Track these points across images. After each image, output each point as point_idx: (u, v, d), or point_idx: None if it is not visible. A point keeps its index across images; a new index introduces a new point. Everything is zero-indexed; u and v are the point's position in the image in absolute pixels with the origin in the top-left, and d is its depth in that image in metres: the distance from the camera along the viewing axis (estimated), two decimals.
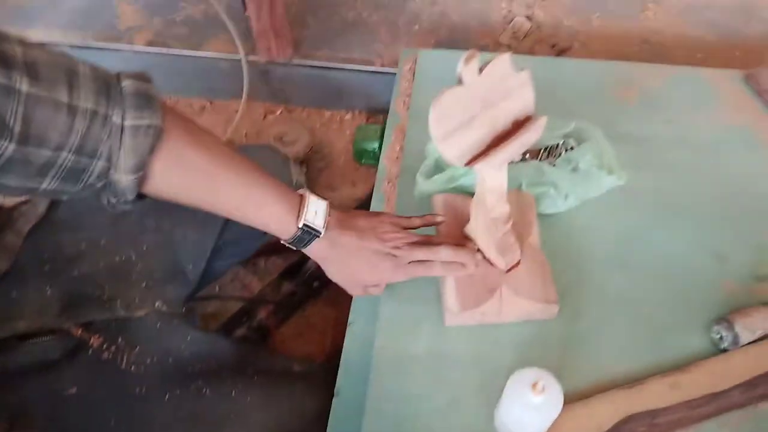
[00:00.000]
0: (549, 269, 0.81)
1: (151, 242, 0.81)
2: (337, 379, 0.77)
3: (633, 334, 0.79)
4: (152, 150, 0.59)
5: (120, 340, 0.74)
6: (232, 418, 0.73)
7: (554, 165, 0.90)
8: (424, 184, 0.90)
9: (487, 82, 0.62)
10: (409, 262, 0.74)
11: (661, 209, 0.91)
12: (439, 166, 0.91)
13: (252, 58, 1.38)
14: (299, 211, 0.69)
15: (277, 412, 0.75)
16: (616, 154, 0.90)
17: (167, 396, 0.72)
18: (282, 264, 1.17)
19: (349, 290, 0.79)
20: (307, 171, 1.30)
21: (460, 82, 0.60)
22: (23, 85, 0.51)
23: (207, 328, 1.11)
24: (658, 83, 1.09)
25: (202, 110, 1.52)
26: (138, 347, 0.74)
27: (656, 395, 0.71)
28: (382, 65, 1.37)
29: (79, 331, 0.73)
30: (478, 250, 0.79)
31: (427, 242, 0.75)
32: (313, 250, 0.73)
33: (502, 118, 0.65)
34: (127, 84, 0.58)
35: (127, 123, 0.57)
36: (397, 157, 1.01)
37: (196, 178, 0.65)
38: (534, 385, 0.56)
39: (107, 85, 0.57)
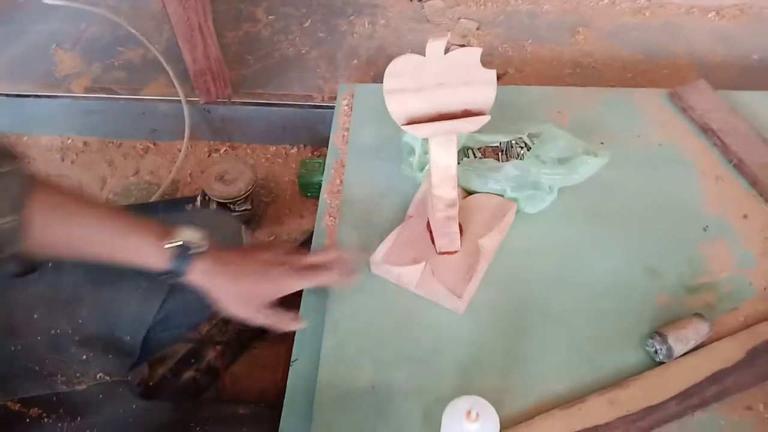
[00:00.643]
0: (479, 271, 0.84)
1: (86, 315, 0.78)
2: (281, 419, 0.76)
3: (573, 352, 0.80)
4: (23, 193, 0.60)
5: (61, 410, 0.72)
6: None
7: (521, 159, 0.94)
8: (421, 177, 0.96)
9: (450, 64, 0.66)
10: (302, 268, 0.74)
11: (596, 227, 0.94)
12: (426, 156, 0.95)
13: (192, 99, 1.38)
14: (170, 235, 0.70)
15: None
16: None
17: None
18: None
19: (248, 316, 0.75)
20: (253, 207, 1.29)
21: None
22: None
23: (154, 374, 1.09)
24: (589, 106, 1.13)
25: (146, 152, 1.51)
26: (79, 418, 0.72)
27: (596, 412, 0.72)
28: (323, 100, 1.38)
29: (17, 406, 0.71)
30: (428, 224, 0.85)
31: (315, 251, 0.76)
32: (197, 274, 0.71)
33: (453, 102, 0.70)
34: None
35: None
36: (337, 191, 1.02)
37: (71, 223, 0.65)
38: (468, 413, 0.56)
39: None
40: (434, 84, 0.68)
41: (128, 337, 0.81)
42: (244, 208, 1.24)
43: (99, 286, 0.81)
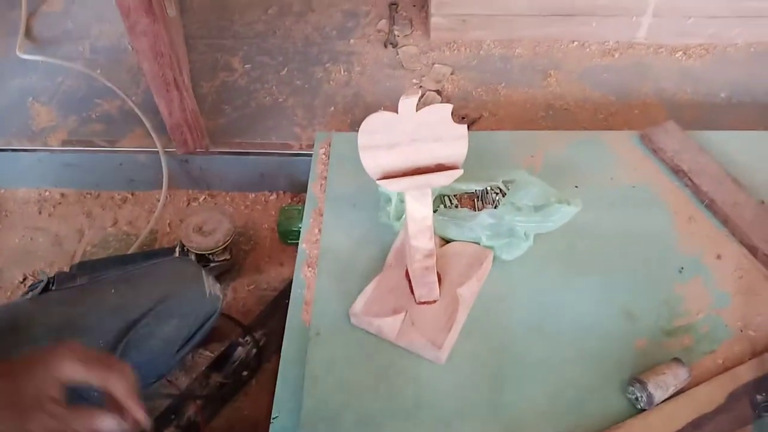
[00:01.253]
0: (458, 321, 0.85)
1: None
2: None
3: (555, 400, 0.80)
4: None
5: None
6: None
7: (495, 207, 0.95)
8: (398, 225, 0.97)
9: (422, 120, 0.68)
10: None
11: (573, 272, 0.94)
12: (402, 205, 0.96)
13: (170, 149, 1.38)
14: None
15: None
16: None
17: None
18: (209, 355, 1.15)
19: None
20: (232, 256, 1.29)
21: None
22: None
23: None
24: (562, 148, 1.15)
25: (124, 202, 1.50)
26: None
27: None
28: (301, 148, 1.39)
29: None
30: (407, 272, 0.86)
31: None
32: None
33: (427, 157, 0.72)
34: None
35: None
36: (316, 240, 1.02)
37: None
38: None
39: None
40: (407, 140, 0.70)
41: (95, 393, 0.80)
42: (222, 258, 1.24)
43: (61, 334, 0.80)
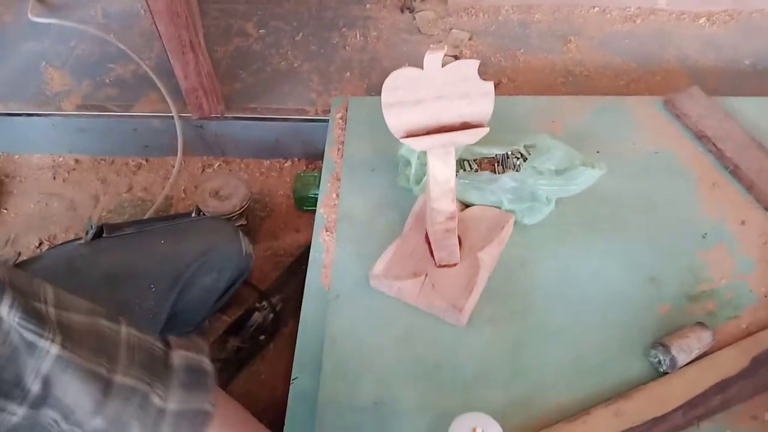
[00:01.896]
0: (479, 284, 0.84)
1: None
2: None
3: (576, 363, 0.80)
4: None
5: None
6: None
7: (518, 171, 0.94)
8: (417, 189, 0.96)
9: (447, 76, 0.67)
10: None
11: (594, 237, 0.93)
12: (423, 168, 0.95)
13: (185, 114, 1.37)
14: None
15: None
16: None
17: None
18: (226, 320, 1.15)
19: None
20: (248, 222, 1.28)
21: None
22: (53, 347, 0.45)
23: None
24: (583, 114, 1.13)
25: (139, 168, 1.50)
26: None
27: (601, 425, 0.72)
28: (316, 113, 1.38)
29: None
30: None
31: None
32: None
33: (452, 114, 0.70)
34: (176, 356, 0.52)
35: (171, 407, 0.49)
36: (334, 205, 1.01)
37: None
38: (473, 431, 0.56)
39: (151, 357, 0.50)
40: (432, 97, 0.68)
41: None
42: (239, 224, 1.23)
43: (115, 288, 0.83)
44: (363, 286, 0.88)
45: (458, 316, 0.81)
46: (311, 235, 0.98)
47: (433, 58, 0.65)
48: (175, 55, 1.17)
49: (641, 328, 0.83)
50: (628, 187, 1.00)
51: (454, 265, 0.85)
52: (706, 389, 0.73)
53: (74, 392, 0.45)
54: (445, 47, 0.65)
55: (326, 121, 1.19)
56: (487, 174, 0.94)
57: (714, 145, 1.04)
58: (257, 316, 1.12)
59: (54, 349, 0.45)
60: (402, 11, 1.61)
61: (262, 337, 1.11)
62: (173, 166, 1.41)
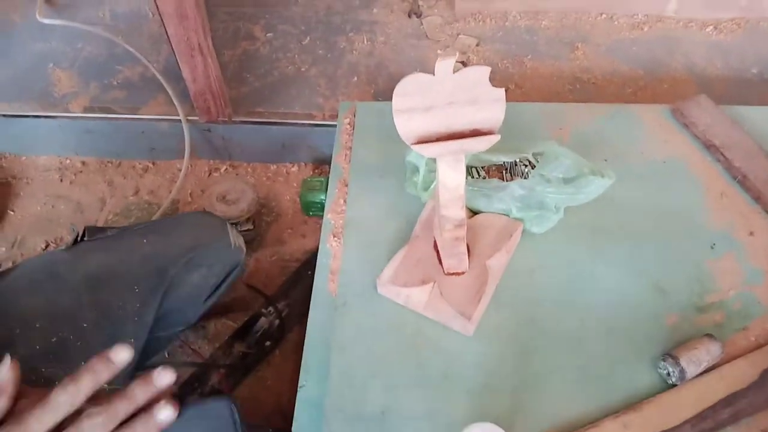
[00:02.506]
0: (488, 292, 0.83)
1: (88, 319, 0.78)
2: None
3: (583, 375, 0.79)
4: None
5: None
6: None
7: (526, 178, 0.93)
8: (425, 196, 0.95)
9: (458, 82, 0.66)
10: None
11: (603, 246, 0.93)
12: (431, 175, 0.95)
13: (192, 117, 1.38)
14: None
15: None
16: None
17: None
18: (232, 325, 1.15)
19: None
20: (255, 227, 1.28)
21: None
22: None
23: None
24: (591, 122, 1.12)
25: (146, 171, 1.50)
26: None
27: None
28: (324, 118, 1.38)
29: None
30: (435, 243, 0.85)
31: None
32: None
33: (463, 121, 0.69)
34: None
35: None
36: (341, 211, 1.01)
37: None
38: None
39: None
40: (443, 103, 0.68)
41: (132, 339, 0.81)
42: (246, 228, 1.24)
43: (96, 291, 0.81)
44: (370, 292, 0.88)
45: (466, 325, 0.81)
46: (318, 240, 0.98)
47: (444, 64, 0.65)
48: (184, 57, 1.18)
49: (649, 337, 0.82)
50: (636, 195, 0.99)
51: (463, 272, 0.85)
52: (716, 402, 0.73)
53: None
54: (456, 53, 0.65)
55: (333, 125, 1.18)
56: (495, 181, 0.94)
57: (722, 154, 1.04)
58: (263, 322, 1.12)
59: None
60: (409, 16, 1.61)
61: (268, 343, 1.11)
62: (180, 170, 1.42)
